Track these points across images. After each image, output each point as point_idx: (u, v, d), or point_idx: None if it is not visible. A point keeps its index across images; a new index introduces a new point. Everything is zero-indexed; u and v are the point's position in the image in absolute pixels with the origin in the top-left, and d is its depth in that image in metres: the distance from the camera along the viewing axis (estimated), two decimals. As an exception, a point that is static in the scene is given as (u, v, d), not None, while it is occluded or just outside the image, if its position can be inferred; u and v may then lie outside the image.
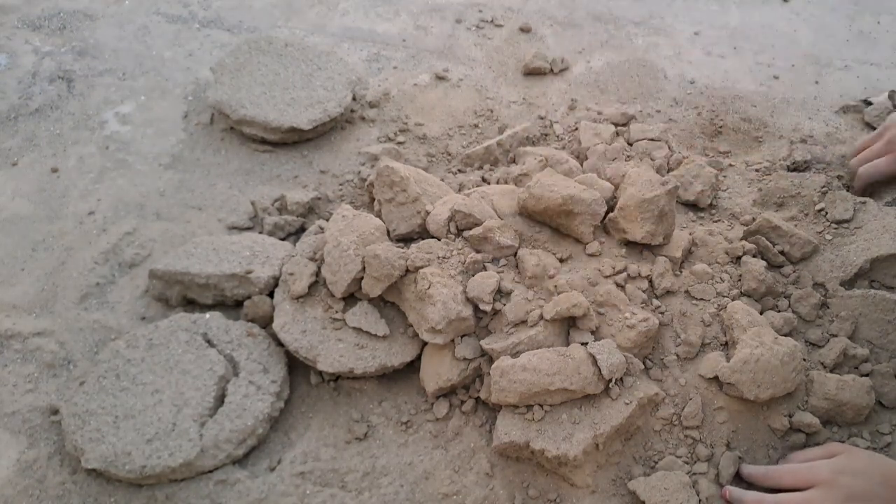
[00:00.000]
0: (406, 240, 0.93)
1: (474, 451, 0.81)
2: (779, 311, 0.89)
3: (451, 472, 0.80)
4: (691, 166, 1.06)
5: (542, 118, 1.24)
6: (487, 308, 0.82)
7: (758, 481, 0.76)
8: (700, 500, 0.75)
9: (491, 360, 0.81)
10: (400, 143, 1.20)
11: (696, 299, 0.89)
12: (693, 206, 1.05)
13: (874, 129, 1.22)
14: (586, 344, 0.80)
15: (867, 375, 0.84)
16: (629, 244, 0.92)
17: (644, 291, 0.87)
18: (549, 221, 0.92)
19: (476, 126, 1.24)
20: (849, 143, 1.19)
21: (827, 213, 1.02)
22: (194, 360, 0.85)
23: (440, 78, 1.34)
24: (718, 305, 0.88)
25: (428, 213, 0.92)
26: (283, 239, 1.02)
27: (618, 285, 0.87)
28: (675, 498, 0.74)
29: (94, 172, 1.14)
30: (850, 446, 0.77)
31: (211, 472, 0.79)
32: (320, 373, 0.88)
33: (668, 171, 1.08)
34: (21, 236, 1.05)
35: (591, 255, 0.90)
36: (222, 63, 1.23)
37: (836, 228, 1.00)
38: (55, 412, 0.85)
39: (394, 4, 1.52)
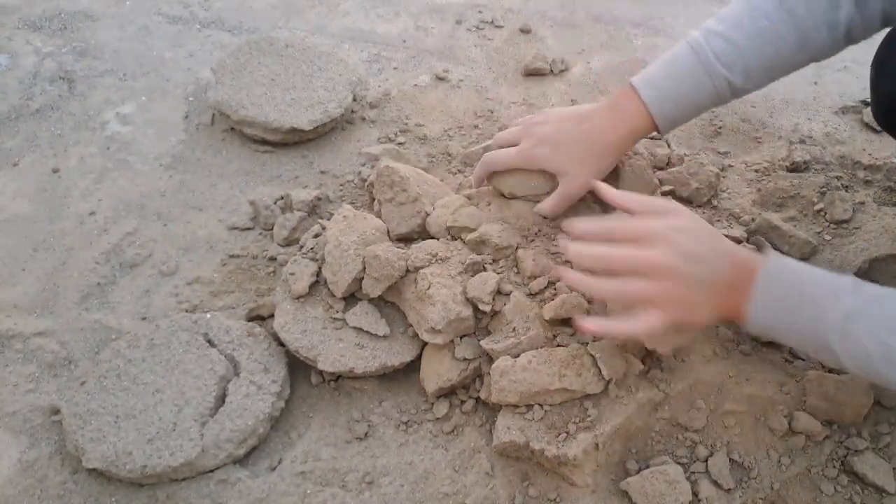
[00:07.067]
0: (406, 240, 0.93)
1: (474, 451, 0.81)
2: (778, 312, 0.90)
3: (451, 471, 0.80)
4: (690, 164, 1.06)
5: (542, 119, 1.24)
6: (487, 308, 0.82)
7: (592, 236, 0.71)
8: (700, 500, 0.75)
9: (491, 360, 0.81)
10: (400, 143, 1.20)
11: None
12: (692, 206, 1.05)
13: (873, 129, 1.22)
14: (586, 344, 0.80)
15: (866, 375, 0.84)
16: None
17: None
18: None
19: (476, 126, 1.24)
20: (848, 143, 1.19)
21: (826, 213, 1.02)
22: (195, 359, 0.85)
23: (440, 79, 1.34)
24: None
25: (428, 213, 0.92)
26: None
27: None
28: (664, 500, 0.73)
29: (94, 173, 1.14)
30: (677, 205, 0.72)
31: (212, 471, 0.79)
32: (321, 372, 0.88)
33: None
34: (22, 236, 1.05)
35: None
36: (223, 64, 1.23)
37: (835, 229, 1.00)
38: (56, 412, 0.85)
39: (394, 5, 1.53)
